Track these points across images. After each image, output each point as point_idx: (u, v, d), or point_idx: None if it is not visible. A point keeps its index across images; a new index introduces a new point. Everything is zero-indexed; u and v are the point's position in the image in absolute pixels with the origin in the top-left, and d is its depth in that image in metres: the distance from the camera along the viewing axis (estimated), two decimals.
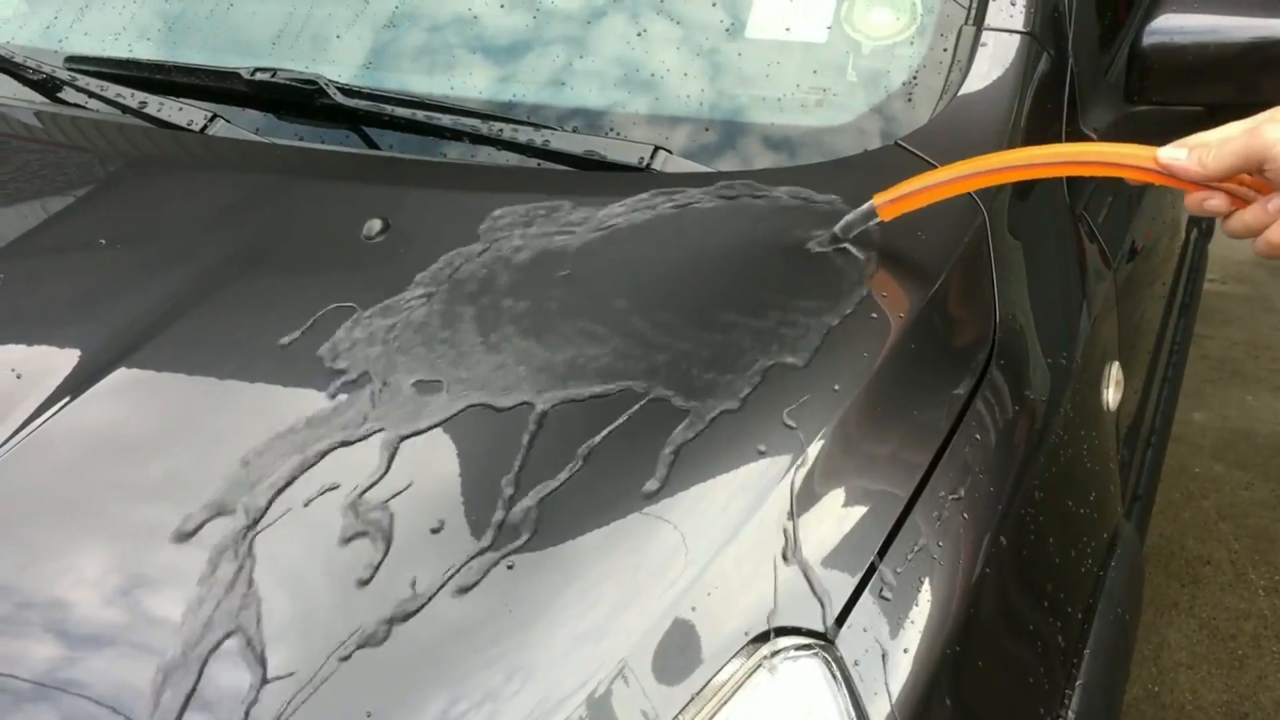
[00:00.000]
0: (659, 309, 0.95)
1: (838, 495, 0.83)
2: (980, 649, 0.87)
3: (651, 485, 0.81)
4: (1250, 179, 0.88)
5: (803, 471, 0.82)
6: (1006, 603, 0.92)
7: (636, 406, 0.86)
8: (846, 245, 1.00)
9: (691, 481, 0.81)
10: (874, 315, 0.95)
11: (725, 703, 0.74)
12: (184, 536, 0.82)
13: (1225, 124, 0.89)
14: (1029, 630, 0.95)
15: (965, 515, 0.88)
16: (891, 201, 0.96)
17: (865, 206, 0.98)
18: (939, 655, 0.82)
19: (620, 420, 0.85)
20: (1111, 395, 1.25)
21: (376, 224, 1.09)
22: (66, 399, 0.94)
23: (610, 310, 0.95)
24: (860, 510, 0.84)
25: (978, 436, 0.93)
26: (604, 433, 0.84)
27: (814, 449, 0.84)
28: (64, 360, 0.99)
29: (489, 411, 0.87)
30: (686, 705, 0.73)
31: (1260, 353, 3.24)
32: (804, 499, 0.81)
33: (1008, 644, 0.91)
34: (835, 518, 0.82)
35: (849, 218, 0.99)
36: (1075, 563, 1.04)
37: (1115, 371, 1.27)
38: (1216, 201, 0.89)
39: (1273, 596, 2.32)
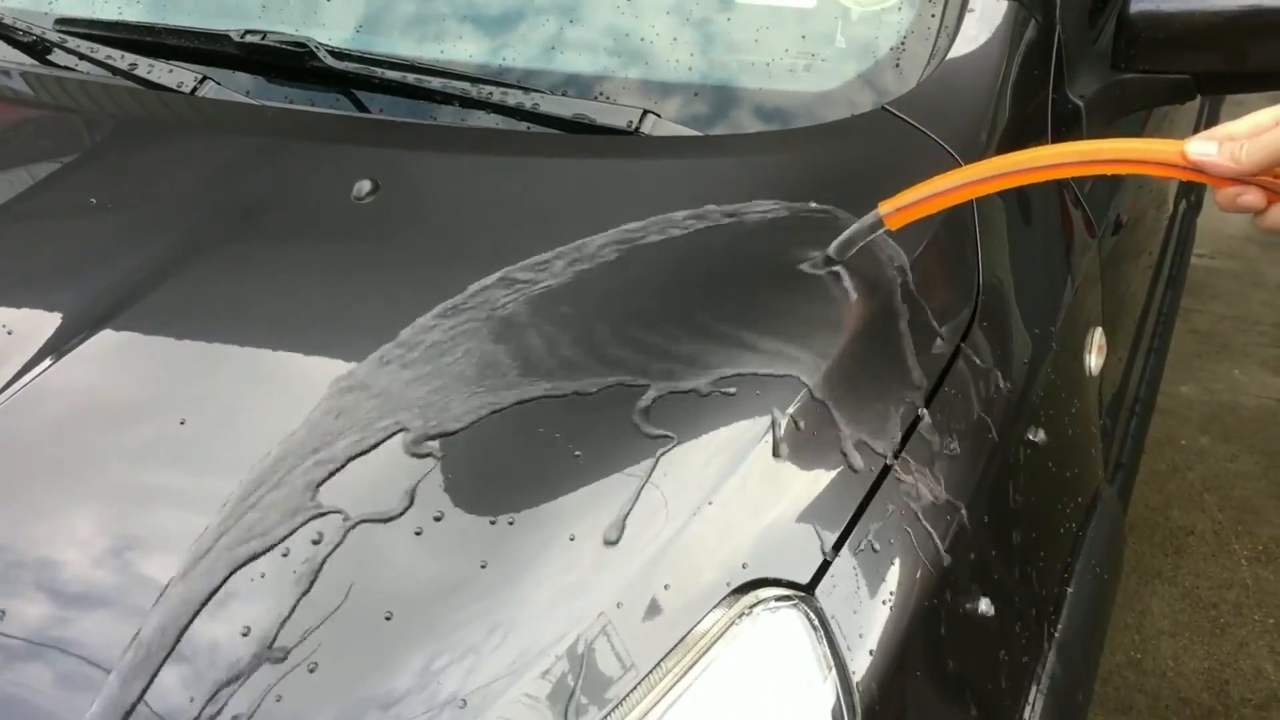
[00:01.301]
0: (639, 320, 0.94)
1: (819, 452, 0.85)
2: (958, 605, 0.89)
3: (632, 445, 0.82)
4: None
5: (784, 428, 0.84)
6: (985, 560, 0.94)
7: (613, 379, 0.86)
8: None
9: (672, 440, 0.82)
10: (856, 274, 0.95)
11: (705, 652, 0.75)
12: (168, 497, 0.83)
13: (1252, 113, 0.84)
14: (1008, 587, 0.97)
15: (945, 473, 0.89)
16: (899, 210, 0.90)
17: (870, 217, 0.92)
18: (917, 609, 0.83)
19: (597, 391, 0.86)
20: (1094, 361, 1.26)
21: (366, 185, 1.10)
22: (50, 359, 0.94)
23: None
24: (841, 466, 0.85)
25: (959, 396, 0.94)
26: (581, 400, 0.85)
27: (795, 406, 0.85)
28: (50, 320, 1.00)
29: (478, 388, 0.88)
30: (668, 654, 0.74)
31: (1248, 327, 3.26)
32: (785, 455, 0.83)
33: (986, 600, 0.92)
34: (816, 473, 0.84)
35: (850, 232, 0.93)
36: (1055, 522, 1.05)
37: (1098, 338, 1.28)
38: (1251, 197, 0.83)
39: (1255, 566, 2.35)
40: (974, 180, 0.88)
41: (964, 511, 0.89)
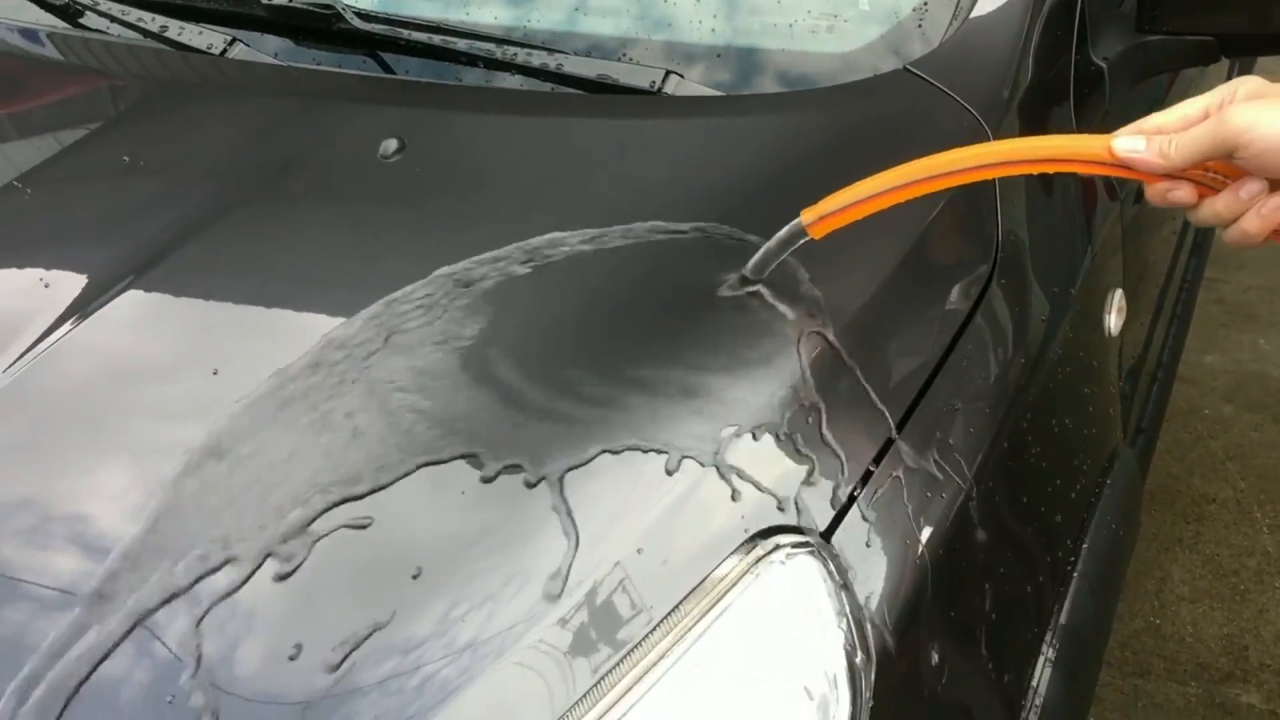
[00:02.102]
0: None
1: (838, 400, 0.86)
2: (974, 555, 0.91)
3: (648, 396, 0.84)
4: (1217, 164, 0.80)
5: (803, 377, 0.85)
6: (1000, 512, 0.95)
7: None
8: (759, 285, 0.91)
9: (691, 389, 0.84)
10: (875, 230, 0.96)
11: (721, 597, 0.77)
12: (194, 452, 0.84)
13: (1182, 101, 0.81)
14: (1022, 540, 0.99)
15: (962, 426, 0.91)
16: (822, 218, 0.86)
17: (791, 227, 0.88)
18: (933, 558, 0.85)
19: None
20: (1114, 321, 1.27)
21: (392, 144, 1.11)
22: (82, 315, 0.97)
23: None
24: (860, 415, 0.86)
25: (977, 351, 0.95)
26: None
27: (814, 356, 0.86)
28: (85, 275, 1.02)
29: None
30: (684, 599, 0.76)
31: (1275, 297, 3.24)
32: (803, 403, 0.84)
33: (1000, 552, 0.94)
34: (835, 421, 0.85)
35: (769, 246, 0.89)
36: (1071, 478, 1.06)
37: (1118, 299, 1.29)
38: (1182, 193, 0.81)
39: (1277, 534, 2.35)
40: (900, 185, 0.84)
41: (979, 464, 0.91)
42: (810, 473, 0.82)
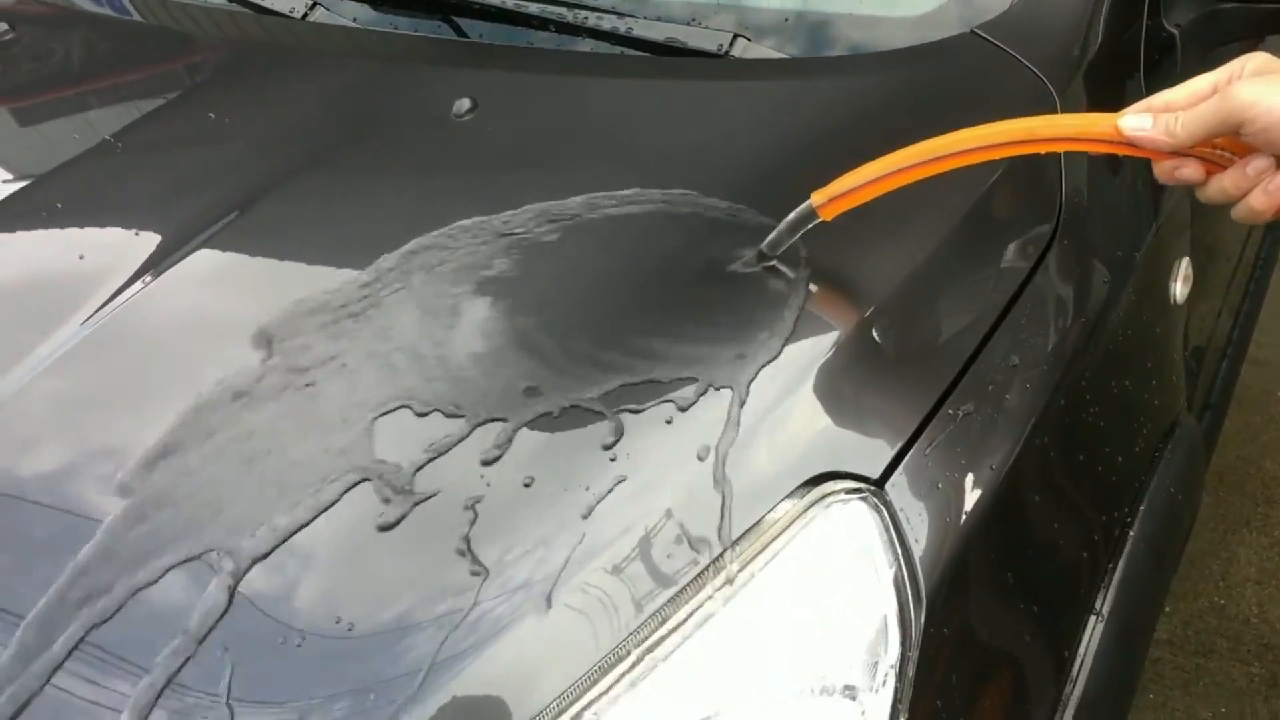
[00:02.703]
0: None
1: (894, 351, 0.88)
2: (1026, 510, 0.92)
3: (706, 346, 0.86)
4: (1224, 141, 0.80)
5: (861, 326, 0.87)
6: (1055, 469, 0.96)
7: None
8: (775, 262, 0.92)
9: (746, 334, 0.86)
10: (939, 186, 0.97)
11: (775, 539, 0.79)
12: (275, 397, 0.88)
13: (1192, 79, 0.81)
14: (1076, 497, 0.99)
15: (1019, 382, 0.92)
16: (833, 200, 0.87)
17: (802, 208, 0.89)
18: (985, 510, 0.86)
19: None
20: (1179, 289, 1.26)
21: (466, 103, 1.15)
22: (148, 276, 1.01)
23: None
24: (917, 367, 0.88)
25: (1036, 309, 0.96)
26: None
27: (872, 308, 0.88)
28: (162, 231, 1.07)
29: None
30: (737, 541, 0.78)
31: None
32: (861, 352, 0.86)
33: (1054, 508, 0.95)
34: (892, 372, 0.87)
35: (784, 225, 0.90)
36: (1130, 440, 1.07)
37: (1185, 267, 1.28)
38: (1189, 170, 0.81)
39: None
40: (909, 165, 0.85)
41: (1035, 421, 0.92)
42: (865, 421, 0.84)
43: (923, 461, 0.84)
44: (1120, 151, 0.83)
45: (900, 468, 0.83)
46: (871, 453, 0.83)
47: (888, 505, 0.82)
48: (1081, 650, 0.98)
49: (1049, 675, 0.94)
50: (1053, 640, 0.95)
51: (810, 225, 0.89)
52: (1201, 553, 2.23)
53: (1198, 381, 1.59)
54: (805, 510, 0.80)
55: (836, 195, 0.87)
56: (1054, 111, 1.08)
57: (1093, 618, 0.99)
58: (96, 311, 0.98)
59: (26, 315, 1.01)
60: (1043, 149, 0.85)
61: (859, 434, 0.84)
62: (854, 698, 0.78)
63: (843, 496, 0.81)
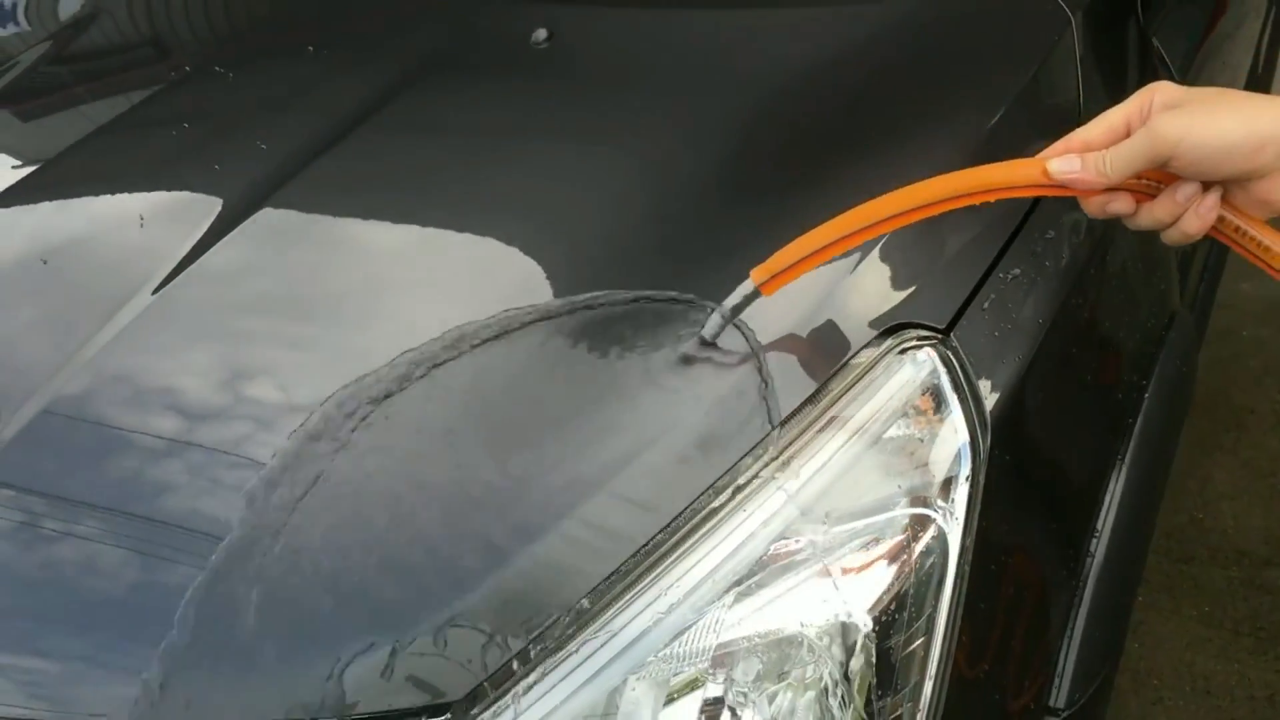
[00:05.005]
0: None
1: (951, 226, 1.00)
2: (1067, 360, 1.06)
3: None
4: (1149, 172, 0.83)
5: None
6: (1089, 328, 1.11)
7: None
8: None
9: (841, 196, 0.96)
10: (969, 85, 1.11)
11: (857, 380, 0.91)
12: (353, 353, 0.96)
13: (1099, 116, 0.86)
14: (1105, 356, 1.14)
15: (1055, 252, 1.06)
16: (774, 277, 0.89)
17: (744, 287, 0.90)
18: (1034, 356, 1.00)
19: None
20: None
21: (543, 33, 1.27)
22: (234, 225, 1.10)
23: None
24: (970, 236, 1.02)
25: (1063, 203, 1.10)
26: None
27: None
28: (253, 163, 1.18)
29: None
30: (826, 382, 0.91)
31: None
32: (925, 227, 0.98)
33: (1088, 361, 1.10)
34: (953, 241, 1.01)
35: (725, 307, 0.91)
36: (1143, 316, 1.22)
37: None
38: (1120, 204, 0.85)
39: None
40: (844, 235, 0.87)
41: (1071, 287, 1.06)
42: (932, 282, 0.98)
43: (981, 315, 0.98)
44: (1053, 194, 0.87)
45: (963, 319, 0.97)
46: (939, 307, 0.97)
47: (954, 350, 0.95)
48: (1108, 496, 1.13)
49: (1084, 505, 1.09)
50: (1089, 477, 1.10)
51: (751, 303, 0.90)
52: (1180, 473, 2.40)
53: (1185, 286, 1.75)
54: (882, 356, 0.93)
55: (777, 272, 0.89)
56: (1069, 32, 1.22)
57: (1118, 461, 1.13)
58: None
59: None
60: (975, 201, 0.87)
61: (928, 293, 0.97)
62: (937, 508, 0.91)
63: (915, 344, 0.95)
